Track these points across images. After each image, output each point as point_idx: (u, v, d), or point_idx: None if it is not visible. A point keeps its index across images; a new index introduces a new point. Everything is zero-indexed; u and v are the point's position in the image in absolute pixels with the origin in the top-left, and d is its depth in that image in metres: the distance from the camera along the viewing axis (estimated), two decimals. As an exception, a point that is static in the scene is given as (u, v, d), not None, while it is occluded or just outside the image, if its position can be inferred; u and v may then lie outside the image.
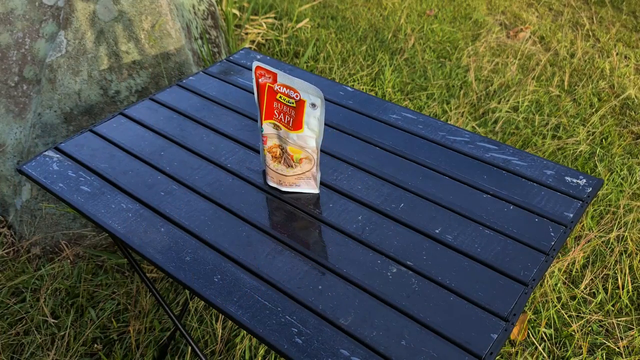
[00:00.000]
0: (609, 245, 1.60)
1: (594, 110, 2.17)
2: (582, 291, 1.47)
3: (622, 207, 1.70)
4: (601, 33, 2.73)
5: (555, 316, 1.41)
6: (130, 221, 0.82)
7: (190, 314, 1.38)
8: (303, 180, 0.84)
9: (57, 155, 0.95)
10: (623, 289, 1.48)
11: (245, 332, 1.31)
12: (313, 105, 0.77)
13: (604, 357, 1.33)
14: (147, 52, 1.57)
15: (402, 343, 0.64)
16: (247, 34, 2.46)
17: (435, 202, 0.84)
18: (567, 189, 0.85)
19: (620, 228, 1.64)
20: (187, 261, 0.75)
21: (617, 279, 1.50)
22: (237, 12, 2.49)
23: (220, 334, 1.33)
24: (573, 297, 1.47)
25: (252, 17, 2.59)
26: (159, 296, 1.15)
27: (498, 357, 1.31)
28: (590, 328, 1.39)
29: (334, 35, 2.60)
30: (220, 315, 1.37)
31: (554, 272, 1.51)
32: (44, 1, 1.57)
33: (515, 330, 1.37)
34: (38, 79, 1.56)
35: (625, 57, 2.55)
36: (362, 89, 2.22)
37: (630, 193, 1.77)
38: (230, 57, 1.23)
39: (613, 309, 1.44)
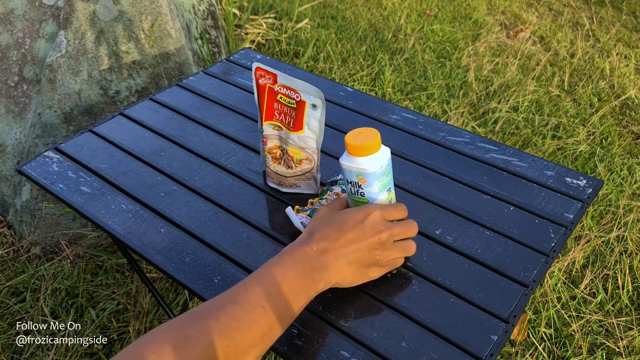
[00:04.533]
0: (609, 245, 1.60)
1: (594, 110, 2.17)
2: (582, 291, 1.47)
3: (622, 207, 1.70)
4: (601, 33, 2.73)
5: (555, 316, 1.41)
6: (130, 222, 0.81)
7: (190, 314, 1.37)
8: (303, 182, 0.84)
9: (57, 156, 0.95)
10: (623, 289, 1.48)
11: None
12: (314, 106, 0.77)
13: (604, 357, 1.33)
14: (147, 52, 1.57)
15: (402, 344, 0.64)
16: (247, 34, 2.46)
17: (435, 203, 0.84)
18: (568, 190, 0.85)
19: (620, 228, 1.64)
20: (187, 262, 0.75)
21: (617, 279, 1.50)
22: (237, 12, 2.49)
23: (220, 334, 1.32)
24: (573, 297, 1.47)
25: (252, 17, 2.59)
26: (159, 296, 1.15)
27: (498, 358, 1.31)
28: (590, 328, 1.40)
29: (334, 35, 2.60)
30: (220, 315, 1.36)
31: (554, 272, 1.51)
32: (44, 1, 1.57)
33: (515, 331, 1.37)
34: (38, 79, 1.56)
35: (625, 57, 2.54)
36: (362, 89, 2.21)
37: (630, 193, 1.77)
38: (230, 57, 1.23)
39: (613, 309, 1.44)
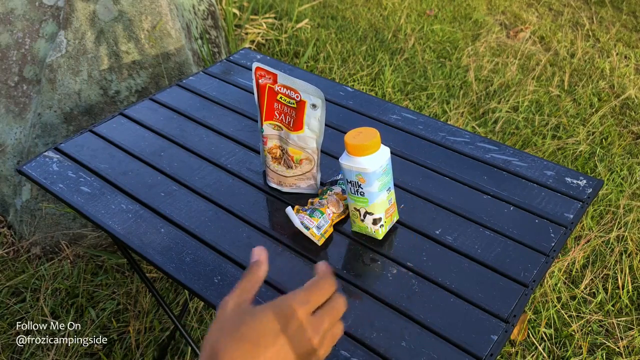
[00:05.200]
0: (609, 245, 1.60)
1: (594, 110, 2.17)
2: (582, 291, 1.47)
3: (622, 207, 1.70)
4: (601, 33, 2.73)
5: (555, 316, 1.41)
6: (130, 222, 0.81)
7: (190, 314, 1.38)
8: (303, 181, 0.84)
9: (57, 156, 0.95)
10: (623, 289, 1.48)
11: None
12: (314, 106, 0.76)
13: (604, 357, 1.33)
14: (147, 52, 1.57)
15: (402, 344, 0.64)
16: (247, 34, 2.46)
17: (435, 203, 0.84)
18: (568, 190, 0.85)
19: (620, 228, 1.64)
20: (187, 262, 0.75)
21: (617, 279, 1.50)
22: (237, 12, 2.49)
23: (220, 334, 1.32)
24: (573, 297, 1.47)
25: (252, 17, 2.59)
26: (159, 296, 1.15)
27: (498, 358, 1.31)
28: (590, 328, 1.39)
29: (334, 35, 2.60)
30: (220, 315, 1.36)
31: (554, 272, 1.51)
32: (44, 1, 1.57)
33: (515, 331, 1.37)
34: (38, 79, 1.56)
35: (625, 57, 2.54)
36: (362, 89, 2.21)
37: (630, 193, 1.77)
38: (230, 57, 1.23)
39: (613, 309, 1.44)
